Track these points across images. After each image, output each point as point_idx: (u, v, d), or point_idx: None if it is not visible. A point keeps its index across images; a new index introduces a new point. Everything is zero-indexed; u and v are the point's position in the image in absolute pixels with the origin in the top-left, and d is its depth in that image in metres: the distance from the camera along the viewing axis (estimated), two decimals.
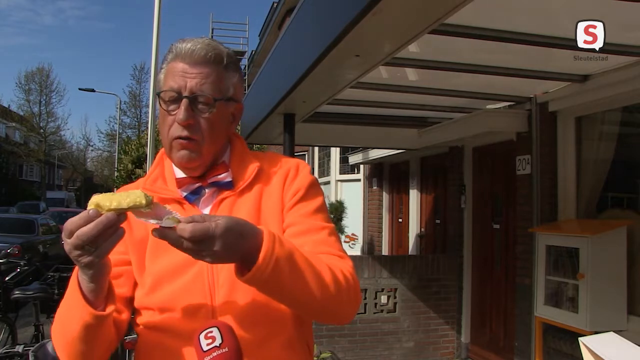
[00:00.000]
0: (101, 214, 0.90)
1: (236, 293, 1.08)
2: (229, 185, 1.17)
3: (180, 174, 1.20)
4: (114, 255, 1.10)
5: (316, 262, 1.04)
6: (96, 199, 0.91)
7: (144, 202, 0.91)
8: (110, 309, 1.02)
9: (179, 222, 0.89)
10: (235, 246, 0.92)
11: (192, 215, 0.91)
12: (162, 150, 1.23)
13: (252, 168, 1.19)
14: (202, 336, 0.89)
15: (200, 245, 0.89)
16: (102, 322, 1.01)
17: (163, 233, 0.90)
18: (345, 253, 1.16)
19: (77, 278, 1.00)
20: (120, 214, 0.91)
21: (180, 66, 1.13)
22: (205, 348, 0.88)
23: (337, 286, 1.05)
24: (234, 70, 1.18)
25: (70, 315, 1.02)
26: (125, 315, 1.14)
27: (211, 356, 0.87)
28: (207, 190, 1.18)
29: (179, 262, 1.08)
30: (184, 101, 1.11)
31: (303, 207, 1.17)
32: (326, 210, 1.23)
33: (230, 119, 1.20)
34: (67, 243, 0.91)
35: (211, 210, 1.14)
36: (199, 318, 1.07)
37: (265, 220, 1.15)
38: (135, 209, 0.91)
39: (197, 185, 1.17)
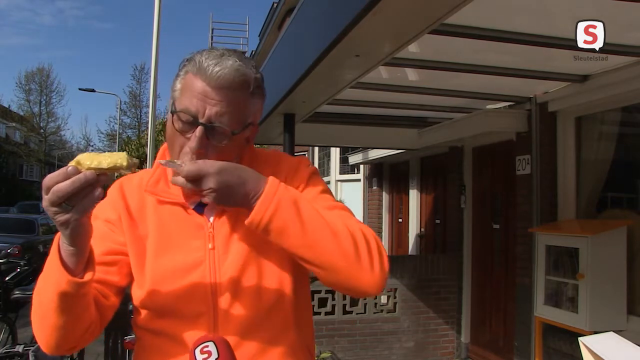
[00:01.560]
0: (80, 172, 0.88)
1: (239, 299, 1.06)
2: None
3: None
4: (111, 244, 1.09)
5: (327, 215, 1.03)
6: (78, 157, 0.90)
7: (124, 163, 0.91)
8: (88, 276, 0.96)
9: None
10: (234, 186, 0.97)
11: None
12: (164, 146, 1.18)
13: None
14: (197, 351, 0.88)
15: (197, 184, 0.96)
16: (78, 290, 0.95)
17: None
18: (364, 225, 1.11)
19: (58, 244, 0.96)
20: (100, 174, 0.89)
21: (201, 86, 1.03)
22: None
23: (353, 240, 1.01)
24: (259, 96, 1.11)
25: (48, 284, 0.97)
26: (111, 301, 1.09)
27: None
28: None
29: (182, 264, 1.07)
30: (200, 129, 1.02)
31: (308, 192, 1.15)
32: (332, 194, 1.20)
33: (243, 144, 1.13)
34: (45, 199, 0.89)
35: (216, 216, 1.12)
36: (200, 323, 1.05)
37: None
38: (116, 170, 0.91)
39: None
